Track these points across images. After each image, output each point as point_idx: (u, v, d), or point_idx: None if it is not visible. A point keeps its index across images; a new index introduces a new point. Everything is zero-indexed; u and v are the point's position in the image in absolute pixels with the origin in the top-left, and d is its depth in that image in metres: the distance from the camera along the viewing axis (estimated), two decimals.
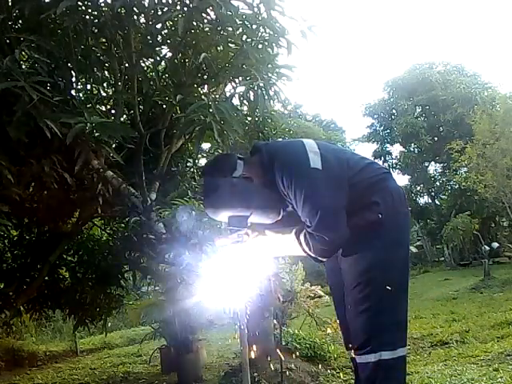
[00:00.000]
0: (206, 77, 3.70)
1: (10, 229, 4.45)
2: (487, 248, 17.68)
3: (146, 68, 3.91)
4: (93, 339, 9.50)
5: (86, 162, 3.08)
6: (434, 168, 24.96)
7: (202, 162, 5.11)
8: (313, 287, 5.73)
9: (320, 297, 5.74)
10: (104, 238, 5.22)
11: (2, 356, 7.26)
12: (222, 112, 2.91)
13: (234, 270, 1.83)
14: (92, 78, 3.46)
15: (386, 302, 1.70)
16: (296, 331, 5.15)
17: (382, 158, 24.28)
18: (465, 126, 18.61)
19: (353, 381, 2.68)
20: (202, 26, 3.26)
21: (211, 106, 2.90)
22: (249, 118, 4.51)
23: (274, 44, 3.35)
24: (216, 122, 2.88)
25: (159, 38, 3.37)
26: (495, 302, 8.98)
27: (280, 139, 4.82)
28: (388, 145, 24.89)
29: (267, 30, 3.30)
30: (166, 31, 3.39)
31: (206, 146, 5.15)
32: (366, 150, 27.05)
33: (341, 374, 4.55)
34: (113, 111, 3.80)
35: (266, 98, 3.30)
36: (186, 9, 3.00)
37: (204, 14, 3.10)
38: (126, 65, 3.27)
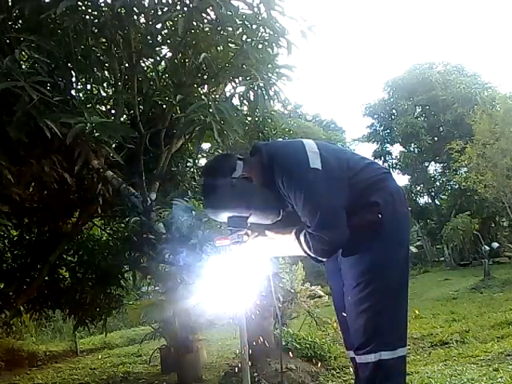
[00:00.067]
0: (206, 77, 3.70)
1: (10, 229, 4.45)
2: (487, 248, 17.68)
3: (146, 68, 3.91)
4: (93, 339, 9.49)
5: (86, 161, 3.09)
6: (434, 168, 24.98)
7: (202, 161, 5.11)
8: (313, 287, 5.73)
9: (320, 297, 5.74)
10: (104, 238, 5.22)
11: (1, 356, 7.26)
12: (222, 112, 2.92)
13: (234, 270, 1.83)
14: (92, 78, 3.47)
15: (386, 302, 1.70)
16: (296, 331, 5.15)
17: (382, 158, 24.26)
18: (465, 126, 18.60)
19: (353, 381, 2.69)
20: (202, 25, 3.26)
21: (211, 106, 2.91)
22: (249, 118, 4.51)
23: (273, 44, 3.35)
24: (216, 122, 2.88)
25: (159, 38, 3.37)
26: (495, 302, 8.97)
27: (280, 139, 4.82)
28: (388, 145, 24.89)
29: (267, 30, 3.30)
30: (166, 31, 3.40)
31: (206, 145, 5.16)
32: (366, 150, 27.05)
33: (341, 374, 4.55)
34: (113, 111, 3.80)
35: (266, 98, 3.30)
36: (186, 9, 3.00)
37: (204, 14, 3.10)
38: (126, 65, 3.27)
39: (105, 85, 3.87)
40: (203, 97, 3.23)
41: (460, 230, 17.70)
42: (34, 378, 6.57)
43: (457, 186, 19.91)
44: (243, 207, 1.75)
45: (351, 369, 3.25)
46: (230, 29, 3.26)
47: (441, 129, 22.86)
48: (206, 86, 3.88)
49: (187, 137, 4.02)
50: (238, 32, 3.29)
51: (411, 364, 4.42)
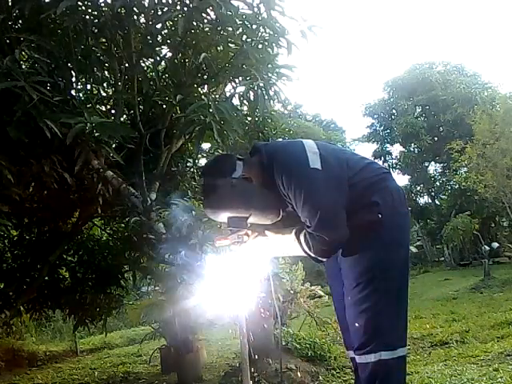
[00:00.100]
0: (206, 77, 3.70)
1: (10, 229, 4.45)
2: (487, 248, 17.67)
3: (146, 68, 3.91)
4: (93, 339, 9.50)
5: (86, 161, 3.09)
6: (433, 168, 24.97)
7: (202, 162, 5.11)
8: (313, 287, 5.72)
9: (320, 297, 5.74)
10: (104, 238, 5.22)
11: (2, 356, 7.25)
12: (222, 112, 2.92)
13: (234, 270, 1.83)
14: (92, 78, 3.46)
15: (386, 302, 1.70)
16: (296, 331, 5.15)
17: (382, 158, 24.27)
18: (465, 126, 18.60)
19: (353, 381, 2.69)
20: (202, 26, 3.26)
21: (211, 105, 2.91)
22: (249, 118, 4.51)
23: (273, 44, 3.35)
24: (216, 122, 2.88)
25: (159, 38, 3.37)
26: (495, 302, 8.97)
27: (280, 139, 4.82)
28: (388, 145, 24.88)
29: (267, 30, 3.30)
30: (166, 31, 3.40)
31: (206, 145, 5.15)
32: (366, 150, 27.05)
33: (341, 374, 4.55)
34: (113, 111, 3.80)
35: (266, 98, 3.30)
36: (186, 9, 3.00)
37: (204, 14, 3.10)
38: (126, 65, 3.27)
39: (105, 85, 3.87)
40: (203, 97, 3.22)
41: (460, 230, 17.69)
42: (34, 378, 6.57)
43: (457, 186, 19.90)
44: (243, 207, 1.75)
45: (351, 369, 3.25)
46: (230, 29, 3.26)
47: (441, 129, 22.86)
48: (205, 86, 3.88)
49: (187, 137, 4.02)
50: (237, 32, 3.29)
51: (411, 364, 4.42)
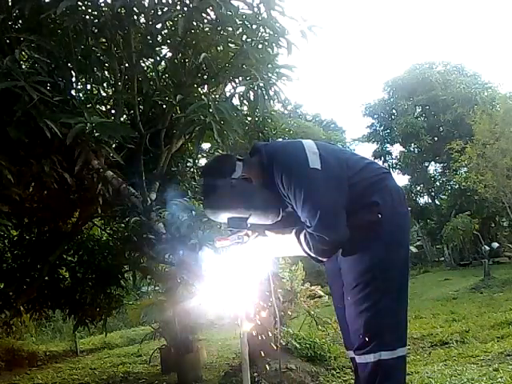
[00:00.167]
0: (206, 77, 3.70)
1: (10, 229, 4.45)
2: (487, 248, 17.67)
3: (146, 68, 3.91)
4: (93, 339, 9.50)
5: (86, 161, 3.08)
6: (433, 168, 24.99)
7: (202, 162, 5.11)
8: (313, 287, 5.72)
9: (320, 297, 5.73)
10: (104, 238, 5.22)
11: (2, 356, 7.26)
12: (222, 112, 2.92)
13: (235, 270, 1.83)
14: (92, 78, 3.46)
15: (386, 302, 1.70)
16: (296, 331, 5.15)
17: (382, 158, 24.27)
18: (465, 126, 18.60)
19: (353, 381, 2.69)
20: (202, 26, 3.26)
21: (211, 106, 2.91)
22: (249, 118, 4.51)
23: (273, 44, 3.35)
24: (216, 122, 2.88)
25: (159, 38, 3.37)
26: (495, 302, 8.97)
27: (280, 139, 4.82)
28: (388, 145, 24.89)
29: (267, 30, 3.30)
30: (166, 31, 3.40)
31: (206, 146, 5.15)
32: (366, 150, 27.07)
33: (341, 374, 4.55)
34: (113, 111, 3.80)
35: (266, 98, 3.30)
36: (186, 9, 3.00)
37: (204, 14, 3.10)
38: (126, 65, 3.27)
39: (105, 85, 3.86)
40: (203, 97, 3.22)
41: (460, 230, 17.70)
42: (34, 378, 6.57)
43: (457, 186, 19.90)
44: (243, 208, 1.75)
45: (351, 369, 3.25)
46: (230, 29, 3.26)
47: (441, 129, 22.86)
48: (205, 86, 3.88)
49: (187, 137, 4.02)
50: (238, 32, 3.29)
51: (411, 364, 4.42)
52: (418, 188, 24.58)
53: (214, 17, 3.12)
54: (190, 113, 2.97)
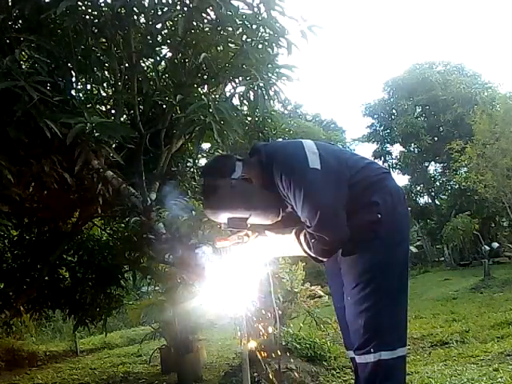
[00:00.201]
0: (206, 77, 3.69)
1: (10, 229, 4.44)
2: (487, 248, 17.68)
3: (146, 68, 3.90)
4: (93, 339, 9.50)
5: (86, 162, 3.08)
6: (433, 168, 25.00)
7: (202, 162, 5.11)
8: (313, 287, 5.73)
9: (320, 297, 5.74)
10: (104, 238, 5.22)
11: (2, 356, 7.26)
12: (222, 112, 2.91)
13: (235, 270, 1.83)
14: (92, 78, 3.46)
15: (386, 302, 1.70)
16: (296, 331, 5.15)
17: (382, 158, 24.27)
18: (465, 126, 18.61)
19: (353, 381, 2.69)
20: (202, 26, 3.26)
21: (211, 106, 2.90)
22: (249, 118, 4.51)
23: (273, 44, 3.35)
24: (216, 122, 2.88)
25: (159, 38, 3.37)
26: (495, 302, 8.97)
27: (280, 139, 4.82)
28: (388, 145, 24.89)
29: (267, 30, 3.30)
30: (166, 31, 3.39)
31: (206, 146, 5.15)
32: (366, 150, 27.08)
33: (341, 374, 4.55)
34: (113, 111, 3.79)
35: (266, 98, 3.30)
36: (186, 9, 2.99)
37: (204, 14, 3.09)
38: (126, 65, 3.26)
39: (105, 85, 3.86)
40: (203, 97, 3.21)
41: (460, 230, 17.70)
42: (34, 378, 6.58)
43: (457, 186, 19.91)
44: (243, 208, 1.75)
45: (351, 369, 3.25)
46: (230, 29, 3.26)
47: (441, 129, 22.87)
48: (205, 86, 3.88)
49: (187, 137, 4.02)
50: (238, 32, 3.29)
51: (411, 364, 4.42)
52: (418, 188, 24.58)
53: (214, 17, 3.12)
54: (190, 113, 2.96)
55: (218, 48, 3.49)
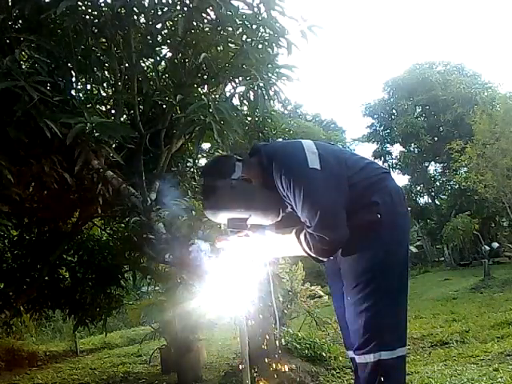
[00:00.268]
0: (206, 77, 3.69)
1: (10, 229, 4.45)
2: (487, 248, 17.68)
3: (146, 68, 3.90)
4: (93, 339, 9.50)
5: (86, 161, 3.08)
6: (433, 168, 25.00)
7: (202, 162, 5.11)
8: (313, 287, 5.73)
9: (320, 297, 5.74)
10: (104, 238, 5.22)
11: (2, 356, 7.26)
12: (222, 112, 2.91)
13: (234, 270, 1.83)
14: (92, 78, 3.46)
15: (386, 302, 1.70)
16: (296, 331, 5.15)
17: (382, 158, 24.27)
18: (465, 126, 18.61)
19: (353, 381, 2.69)
20: (202, 26, 3.26)
21: (211, 106, 2.90)
22: (249, 118, 4.51)
23: (273, 44, 3.35)
24: (216, 122, 2.88)
25: (159, 38, 3.37)
26: (495, 302, 8.97)
27: (280, 139, 4.82)
28: (388, 145, 24.89)
29: (267, 30, 3.30)
30: (166, 31, 3.39)
31: (206, 146, 5.15)
32: (366, 150, 27.10)
33: (341, 374, 4.55)
34: (113, 111, 3.80)
35: (266, 98, 3.30)
36: (186, 9, 2.99)
37: (204, 14, 3.10)
38: (126, 65, 3.26)
39: (105, 85, 3.86)
40: (203, 97, 3.21)
41: (460, 230, 17.70)
42: (34, 378, 6.58)
43: (457, 186, 19.91)
44: (243, 208, 1.75)
45: (351, 369, 3.25)
46: (230, 29, 3.26)
47: (441, 129, 22.87)
48: (205, 86, 3.88)
49: (187, 137, 4.02)
50: (238, 32, 3.29)
51: (411, 364, 4.42)
52: (418, 188, 24.58)
53: (214, 17, 3.12)
54: (190, 113, 2.97)
55: (218, 48, 3.49)
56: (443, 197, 24.05)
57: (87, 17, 2.97)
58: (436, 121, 22.63)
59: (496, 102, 17.89)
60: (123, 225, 4.46)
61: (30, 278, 4.73)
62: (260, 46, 3.36)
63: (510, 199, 15.16)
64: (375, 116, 24.95)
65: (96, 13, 3.00)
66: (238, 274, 1.83)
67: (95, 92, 3.86)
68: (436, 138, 22.78)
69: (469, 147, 15.68)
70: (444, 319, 7.54)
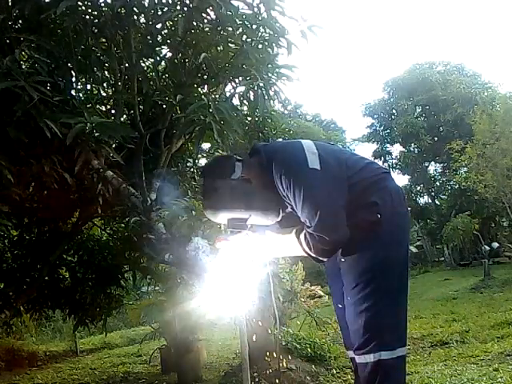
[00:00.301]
0: (206, 77, 3.69)
1: (10, 229, 4.45)
2: (487, 248, 17.68)
3: (146, 68, 3.90)
4: (93, 339, 9.50)
5: (86, 161, 3.08)
6: (434, 168, 25.01)
7: (202, 162, 5.11)
8: (313, 287, 5.73)
9: (320, 297, 5.74)
10: (104, 238, 5.22)
11: (2, 356, 7.26)
12: (222, 112, 2.91)
13: (235, 271, 1.83)
14: (92, 78, 3.46)
15: (386, 302, 1.70)
16: (296, 331, 5.15)
17: (382, 158, 24.28)
18: (465, 126, 18.61)
19: (353, 381, 2.69)
20: (202, 26, 3.26)
21: (211, 106, 2.90)
22: (249, 118, 4.51)
23: (273, 44, 3.35)
24: (216, 122, 2.88)
25: (159, 38, 3.37)
26: (495, 302, 8.98)
27: (280, 139, 4.82)
28: (388, 145, 24.89)
29: (267, 30, 3.30)
30: (166, 31, 3.39)
31: (206, 146, 5.15)
32: (366, 150, 27.10)
33: (341, 374, 4.56)
34: (113, 111, 3.80)
35: (266, 98, 3.30)
36: (186, 9, 2.99)
37: (204, 14, 3.09)
38: (126, 65, 3.26)
39: (105, 85, 3.86)
40: (203, 97, 3.21)
41: (460, 230, 17.70)
42: (34, 378, 6.58)
43: (457, 186, 19.91)
44: (243, 209, 1.75)
45: (351, 369, 3.25)
46: (230, 29, 3.26)
47: (441, 129, 22.87)
48: (206, 86, 3.88)
49: (187, 137, 4.02)
50: (238, 32, 3.29)
51: (411, 364, 4.42)
52: (418, 188, 24.58)
53: (214, 17, 3.12)
54: (190, 113, 2.97)
55: (218, 48, 3.49)
56: (443, 197, 24.05)
57: (87, 17, 2.97)
58: (436, 121, 22.63)
59: (496, 102, 17.89)
60: (123, 225, 4.46)
61: (30, 278, 4.73)
62: (260, 46, 3.36)
63: (510, 199, 15.16)
64: (375, 116, 24.95)
65: (96, 13, 3.00)
66: (237, 273, 1.83)
67: (95, 92, 3.86)
68: (436, 138, 22.78)
69: (469, 147, 15.68)
70: (444, 319, 7.54)
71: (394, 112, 24.09)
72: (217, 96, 3.56)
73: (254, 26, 3.25)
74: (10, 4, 2.90)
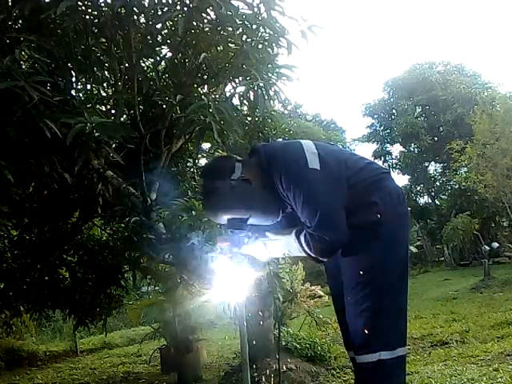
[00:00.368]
0: (206, 77, 3.69)
1: (10, 229, 4.44)
2: (487, 248, 17.67)
3: (146, 68, 3.90)
4: (93, 339, 9.50)
5: (86, 161, 3.08)
6: (433, 168, 24.98)
7: (202, 162, 5.11)
8: (313, 287, 5.74)
9: (320, 297, 5.75)
10: (104, 238, 5.22)
11: (2, 356, 7.27)
12: (222, 112, 2.91)
13: (235, 271, 1.83)
14: (92, 78, 3.46)
15: (386, 302, 1.71)
16: (296, 331, 5.15)
17: (382, 158, 24.26)
18: (465, 126, 18.60)
19: (353, 381, 2.69)
20: (202, 25, 3.26)
21: (211, 106, 2.90)
22: (249, 118, 4.50)
23: (273, 44, 3.35)
24: (216, 122, 2.88)
25: (159, 38, 3.37)
26: (495, 302, 8.97)
27: (280, 139, 4.82)
28: (388, 145, 24.88)
29: (267, 30, 3.29)
30: (166, 31, 3.39)
31: (206, 146, 5.15)
32: (366, 150, 27.07)
33: (341, 374, 4.56)
34: (113, 111, 3.79)
35: (266, 98, 3.30)
36: (186, 9, 2.99)
37: (204, 14, 3.09)
38: (126, 65, 3.26)
39: (105, 85, 3.86)
40: (203, 97, 3.21)
41: (460, 230, 17.69)
42: (34, 378, 6.58)
43: (457, 186, 19.90)
44: (243, 209, 1.75)
45: (351, 369, 3.25)
46: (230, 29, 3.25)
47: (441, 129, 22.86)
48: (206, 86, 3.88)
49: (187, 137, 4.02)
50: (238, 32, 3.28)
51: (411, 364, 4.42)
52: (418, 188, 24.58)
53: (214, 17, 3.12)
54: (190, 113, 2.97)
55: (218, 48, 3.49)
56: (443, 197, 24.04)
57: (87, 17, 2.97)
58: (436, 121, 22.62)
59: (496, 102, 17.87)
60: (123, 225, 4.45)
61: (30, 278, 4.72)
62: (260, 46, 3.36)
63: (510, 199, 15.16)
64: (375, 116, 24.94)
65: (96, 13, 2.99)
66: (238, 274, 1.83)
67: (95, 92, 3.86)
68: (436, 138, 22.77)
69: (469, 147, 15.67)
70: (444, 319, 7.54)
71: (394, 112, 24.08)
72: (217, 96, 3.56)
73: (254, 26, 3.25)
74: (9, 4, 2.90)
